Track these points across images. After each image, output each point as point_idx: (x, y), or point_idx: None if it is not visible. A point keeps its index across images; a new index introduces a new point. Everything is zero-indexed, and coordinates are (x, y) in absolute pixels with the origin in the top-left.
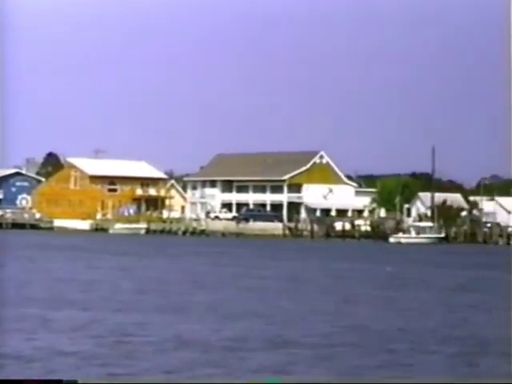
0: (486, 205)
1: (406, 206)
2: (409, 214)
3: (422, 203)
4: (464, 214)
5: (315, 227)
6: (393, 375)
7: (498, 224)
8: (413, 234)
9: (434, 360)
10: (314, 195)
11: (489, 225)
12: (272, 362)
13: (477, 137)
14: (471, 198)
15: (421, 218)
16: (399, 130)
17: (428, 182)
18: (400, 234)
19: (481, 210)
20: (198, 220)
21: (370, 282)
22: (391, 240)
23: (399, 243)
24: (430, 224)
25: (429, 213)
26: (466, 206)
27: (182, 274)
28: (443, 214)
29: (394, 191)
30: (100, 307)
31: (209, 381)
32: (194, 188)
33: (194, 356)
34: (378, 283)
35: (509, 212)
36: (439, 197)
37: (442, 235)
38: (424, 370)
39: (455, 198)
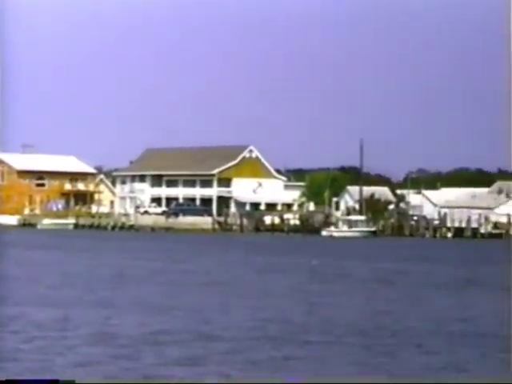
0: (413, 198)
1: (335, 199)
2: (337, 208)
3: (351, 197)
4: (391, 207)
5: (245, 221)
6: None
7: (425, 217)
8: (345, 227)
9: (348, 352)
10: (243, 189)
11: (415, 218)
12: (187, 355)
13: (404, 131)
14: (398, 192)
15: (349, 211)
16: (327, 124)
17: (356, 175)
18: (332, 228)
19: (408, 203)
20: (127, 215)
21: (293, 276)
22: (323, 233)
23: (331, 237)
24: (361, 217)
25: (357, 206)
26: (393, 199)
27: (106, 269)
28: (371, 208)
29: (322, 185)
30: (20, 302)
31: (209, 381)
32: (124, 183)
33: (109, 350)
34: (301, 277)
35: (435, 205)
36: (367, 190)
37: (374, 229)
38: (336, 362)
39: (383, 192)
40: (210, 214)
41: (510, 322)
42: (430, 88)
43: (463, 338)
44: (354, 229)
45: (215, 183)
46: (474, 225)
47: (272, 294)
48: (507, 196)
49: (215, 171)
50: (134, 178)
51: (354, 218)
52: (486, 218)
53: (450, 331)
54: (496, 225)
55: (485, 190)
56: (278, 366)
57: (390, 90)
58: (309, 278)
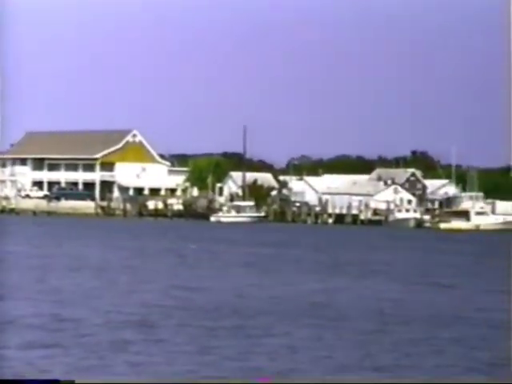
0: (295, 184)
1: (219, 185)
2: (221, 193)
3: (234, 182)
4: (274, 193)
5: (128, 206)
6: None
7: (307, 203)
8: (233, 213)
9: (201, 333)
10: (126, 174)
11: (298, 204)
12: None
13: (287, 118)
14: (281, 178)
15: (232, 197)
16: (211, 110)
17: (239, 161)
18: (220, 214)
19: (290, 190)
20: (7, 198)
21: (166, 259)
22: (212, 219)
23: (219, 222)
24: (250, 203)
25: (240, 192)
26: (276, 185)
27: None
28: (254, 193)
29: (206, 170)
30: None
31: (209, 381)
32: (4, 166)
33: None
34: (174, 260)
35: (317, 191)
36: (250, 176)
37: (263, 214)
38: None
39: (266, 178)
40: (93, 199)
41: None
42: (314, 75)
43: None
44: (242, 214)
45: (98, 167)
46: (355, 211)
47: (138, 277)
48: (386, 183)
49: (98, 155)
50: (14, 162)
51: (242, 203)
52: (366, 205)
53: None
54: (375, 211)
55: (365, 177)
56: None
57: (274, 76)
58: (180, 262)
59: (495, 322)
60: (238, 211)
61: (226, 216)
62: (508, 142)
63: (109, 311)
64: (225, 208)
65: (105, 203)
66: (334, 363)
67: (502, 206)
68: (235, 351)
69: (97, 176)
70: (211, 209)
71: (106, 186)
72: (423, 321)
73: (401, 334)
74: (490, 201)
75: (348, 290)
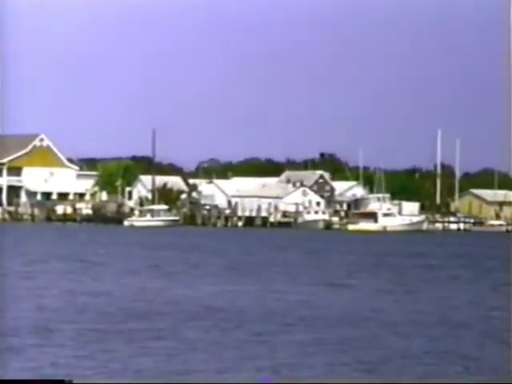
0: (205, 187)
1: (128, 188)
2: (130, 197)
3: (144, 186)
4: (184, 196)
5: (36, 211)
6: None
7: (217, 206)
8: (148, 216)
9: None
10: (34, 178)
11: (207, 207)
12: None
13: (196, 121)
14: (191, 181)
15: (142, 200)
16: (120, 113)
17: (149, 165)
18: (133, 218)
19: (200, 193)
20: None
21: (72, 264)
22: (125, 223)
23: (132, 226)
24: (164, 207)
25: (150, 196)
26: (185, 188)
27: None
28: (164, 197)
29: (115, 174)
30: None
31: (209, 381)
32: None
33: None
34: (73, 265)
35: (226, 194)
36: (160, 180)
37: (177, 218)
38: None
39: (175, 181)
40: (0, 204)
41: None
42: (223, 76)
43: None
44: (156, 218)
45: (5, 172)
46: (264, 214)
47: (38, 283)
48: (295, 185)
49: (5, 160)
50: None
51: (156, 207)
52: (276, 207)
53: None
54: (285, 213)
55: (274, 179)
56: None
57: (182, 78)
58: (85, 267)
59: (387, 321)
60: (152, 215)
61: (140, 220)
62: (414, 144)
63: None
64: (137, 212)
65: (12, 208)
66: (216, 365)
67: (408, 207)
68: (124, 354)
69: (3, 181)
70: (121, 213)
71: (13, 190)
72: (318, 321)
73: (293, 335)
74: (396, 202)
75: (247, 292)
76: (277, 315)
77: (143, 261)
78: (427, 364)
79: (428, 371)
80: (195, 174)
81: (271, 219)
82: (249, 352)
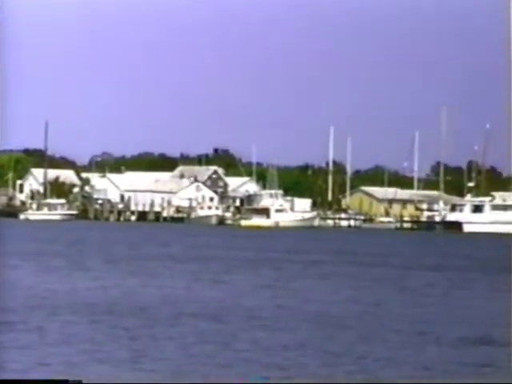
0: (98, 181)
1: (19, 182)
2: (21, 190)
3: (35, 179)
4: (76, 190)
5: None
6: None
7: (109, 200)
8: (45, 210)
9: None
10: None
11: (100, 201)
12: None
13: (89, 114)
14: (84, 175)
15: (33, 194)
16: (13, 105)
17: (41, 158)
18: (30, 211)
19: (93, 187)
20: None
21: None
22: (21, 217)
23: (27, 220)
24: (61, 201)
25: (41, 189)
26: (78, 182)
27: None
28: (56, 191)
29: (6, 167)
30: None
31: (209, 381)
32: None
33: None
34: None
35: (119, 189)
36: (52, 173)
37: (74, 212)
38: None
39: (68, 175)
40: None
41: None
42: (121, 74)
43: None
44: (53, 212)
45: None
46: (158, 208)
47: None
48: (188, 180)
49: None
50: None
51: (53, 201)
52: (169, 202)
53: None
54: (178, 209)
55: (168, 174)
56: None
57: (76, 71)
58: None
59: (259, 316)
60: (49, 209)
61: (35, 214)
62: (307, 141)
63: None
64: (34, 205)
65: None
66: (66, 358)
67: (300, 203)
68: None
69: None
70: (12, 206)
71: None
72: (182, 315)
73: (153, 330)
74: (289, 198)
75: (123, 286)
76: (147, 310)
77: (21, 255)
78: (271, 355)
79: (271, 364)
80: (88, 168)
81: (164, 214)
82: (102, 345)
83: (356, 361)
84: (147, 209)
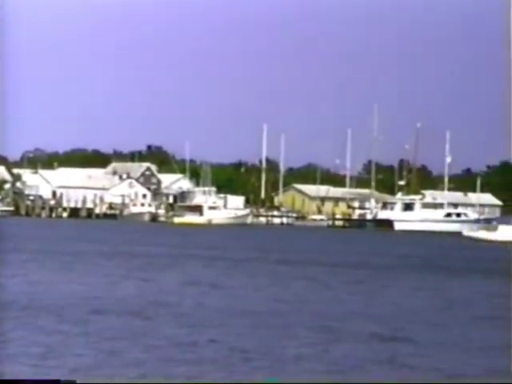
0: (30, 178)
1: None
2: None
3: None
4: (7, 186)
5: None
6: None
7: (41, 197)
8: None
9: None
10: None
11: (32, 198)
12: None
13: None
14: (15, 171)
15: None
16: None
17: None
18: None
19: (24, 183)
20: None
21: None
22: None
23: None
24: None
25: None
26: (9, 178)
27: None
28: None
29: None
30: None
31: (209, 381)
32: None
33: None
34: None
35: (51, 185)
36: None
37: (10, 208)
38: None
39: None
40: None
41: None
42: (55, 69)
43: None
44: None
45: None
46: (90, 205)
47: None
48: (121, 177)
49: None
50: None
51: None
52: (101, 199)
53: None
54: (111, 205)
55: (100, 170)
56: None
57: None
58: None
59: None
60: None
61: None
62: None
63: None
64: None
65: None
66: None
67: (233, 200)
68: None
69: None
70: None
71: None
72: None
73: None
74: (222, 195)
75: (43, 282)
76: (65, 307)
77: None
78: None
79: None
80: (20, 164)
81: (97, 211)
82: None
83: (263, 357)
84: (79, 205)
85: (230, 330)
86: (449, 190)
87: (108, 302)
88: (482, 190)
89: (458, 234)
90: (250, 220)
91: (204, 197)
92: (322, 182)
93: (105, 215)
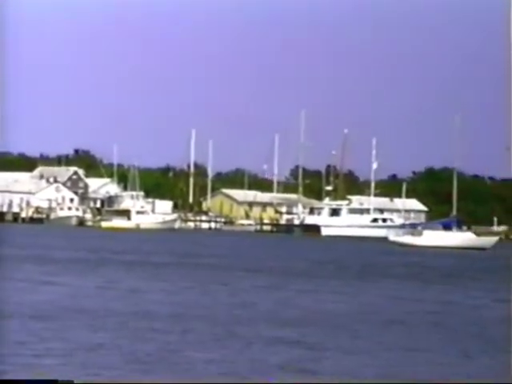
0: None
1: None
2: None
3: None
4: None
5: None
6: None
7: None
8: None
9: None
10: None
11: None
12: None
13: None
14: None
15: None
16: None
17: None
18: None
19: None
20: None
21: None
22: None
23: None
24: None
25: None
26: None
27: None
28: None
29: None
30: None
31: (209, 381)
32: None
33: None
34: None
35: None
36: None
37: None
38: None
39: None
40: None
41: None
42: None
43: None
44: None
45: None
46: (16, 209)
47: None
48: (48, 181)
49: None
50: None
51: None
52: (28, 203)
53: None
54: (37, 209)
55: (27, 174)
56: None
57: None
58: None
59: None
60: None
61: None
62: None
63: None
64: None
65: None
66: None
67: (161, 205)
68: None
69: None
70: None
71: None
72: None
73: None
74: (150, 200)
75: None
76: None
77: None
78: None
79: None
80: None
81: (23, 215)
82: None
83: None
84: (5, 209)
85: (126, 334)
86: (375, 195)
87: (18, 307)
88: (408, 196)
89: (384, 239)
90: (178, 225)
91: (132, 201)
92: (250, 187)
93: (31, 219)
